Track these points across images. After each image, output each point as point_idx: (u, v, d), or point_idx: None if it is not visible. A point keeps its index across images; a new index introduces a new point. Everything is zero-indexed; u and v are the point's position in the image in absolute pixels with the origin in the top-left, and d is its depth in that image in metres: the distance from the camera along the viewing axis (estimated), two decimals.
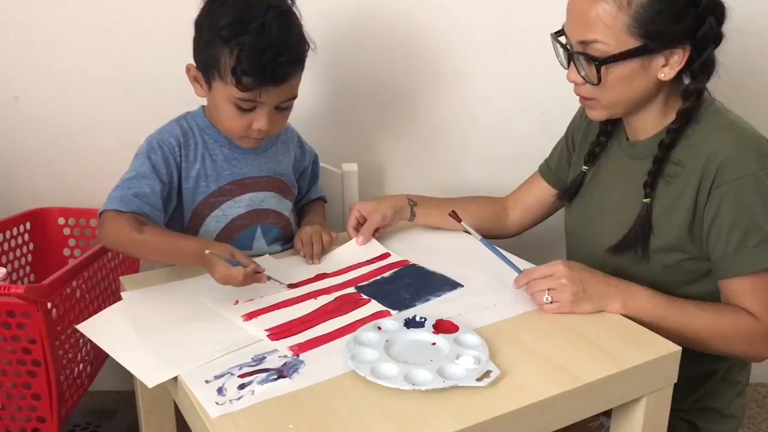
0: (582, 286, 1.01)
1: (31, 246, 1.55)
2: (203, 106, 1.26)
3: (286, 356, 0.92)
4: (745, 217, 1.00)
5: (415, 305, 1.04)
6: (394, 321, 0.99)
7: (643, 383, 0.92)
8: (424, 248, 1.26)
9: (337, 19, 1.51)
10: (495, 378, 0.85)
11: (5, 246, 1.47)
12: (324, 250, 1.24)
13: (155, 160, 1.17)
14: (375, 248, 1.26)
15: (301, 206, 1.40)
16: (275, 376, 0.87)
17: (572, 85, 1.10)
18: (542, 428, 0.86)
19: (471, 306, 1.04)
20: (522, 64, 1.61)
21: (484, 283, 1.12)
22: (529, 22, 1.56)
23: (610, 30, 1.00)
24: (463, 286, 1.10)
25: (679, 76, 1.05)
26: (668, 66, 1.03)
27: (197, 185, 1.21)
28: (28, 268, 1.54)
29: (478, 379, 0.85)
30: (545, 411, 0.84)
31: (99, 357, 1.39)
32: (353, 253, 1.24)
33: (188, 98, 1.51)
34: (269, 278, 1.06)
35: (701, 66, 1.03)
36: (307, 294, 1.10)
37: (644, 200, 1.08)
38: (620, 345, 0.94)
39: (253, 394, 0.84)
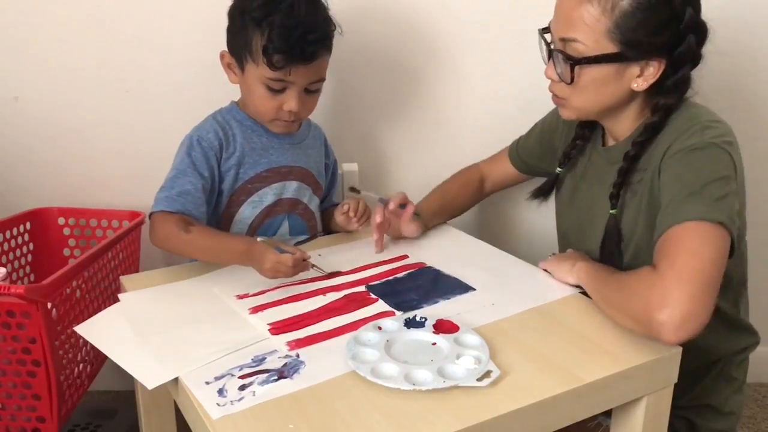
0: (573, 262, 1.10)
1: (31, 246, 1.54)
2: (235, 102, 1.30)
3: (287, 356, 0.92)
4: (674, 184, 0.98)
5: (421, 307, 1.04)
6: (394, 321, 0.99)
7: (643, 383, 0.92)
8: (442, 249, 1.26)
9: (338, 19, 1.51)
10: (495, 378, 0.85)
11: (5, 246, 1.47)
12: (365, 217, 1.31)
13: (195, 156, 1.21)
14: (394, 248, 1.27)
15: (324, 208, 1.42)
16: (276, 377, 0.87)
17: None
18: (542, 428, 0.86)
19: (470, 305, 1.04)
20: (522, 64, 1.60)
21: (486, 283, 1.12)
22: (529, 22, 1.56)
23: (590, 31, 1.01)
24: (475, 289, 1.10)
25: (656, 89, 1.05)
26: (642, 77, 1.04)
27: (237, 173, 1.25)
28: (28, 268, 1.54)
29: (479, 379, 0.85)
30: (545, 411, 0.84)
31: (99, 357, 1.38)
32: (371, 252, 1.25)
33: (189, 98, 1.52)
34: (313, 266, 1.12)
35: (675, 83, 1.03)
36: (316, 290, 1.11)
37: (611, 211, 1.09)
38: (620, 345, 0.94)
39: (254, 395, 0.84)
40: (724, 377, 1.16)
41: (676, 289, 0.87)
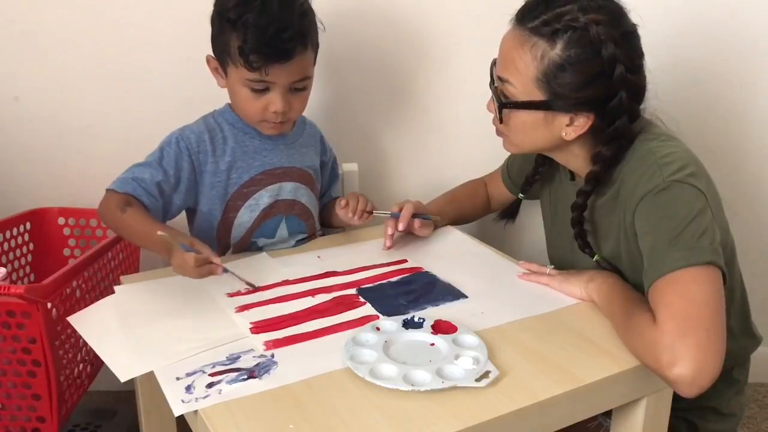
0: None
1: (31, 246, 1.54)
2: (229, 103, 1.28)
3: (261, 356, 0.92)
4: (650, 234, 0.97)
5: (408, 312, 1.03)
6: (392, 322, 0.98)
7: (643, 384, 0.92)
8: (442, 254, 1.26)
9: (337, 19, 1.51)
10: (494, 378, 0.85)
11: (5, 246, 1.47)
12: (364, 216, 1.28)
13: (167, 152, 1.20)
14: (395, 251, 1.26)
15: (324, 204, 1.42)
16: (245, 376, 0.87)
17: None
18: (542, 429, 0.86)
19: (459, 313, 1.03)
20: None
21: (480, 291, 1.11)
22: None
23: (520, 76, 1.01)
24: (467, 297, 1.09)
25: (595, 138, 1.04)
26: (572, 127, 1.03)
27: (229, 177, 1.24)
28: (28, 268, 1.54)
29: (477, 380, 0.85)
30: (545, 411, 0.84)
31: (99, 357, 1.38)
32: (371, 254, 1.25)
33: (189, 98, 1.51)
34: (226, 271, 1.05)
35: (611, 136, 1.02)
36: (306, 291, 1.11)
37: (594, 260, 1.10)
38: (620, 345, 0.94)
39: (220, 393, 0.84)
40: (725, 379, 1.15)
41: (681, 344, 0.85)
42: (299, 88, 1.19)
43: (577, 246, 1.14)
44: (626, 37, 1.00)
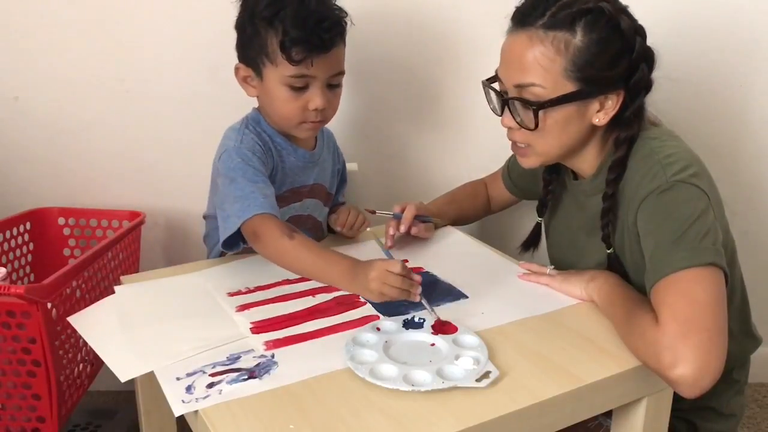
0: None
1: (31, 246, 1.54)
2: (257, 109, 1.25)
3: (262, 356, 0.92)
4: (653, 234, 0.98)
5: (408, 312, 1.03)
6: (393, 322, 0.98)
7: (644, 384, 0.92)
8: (443, 254, 1.26)
9: None
10: (494, 378, 0.85)
11: (5, 246, 1.47)
12: (359, 228, 1.31)
13: (254, 164, 1.16)
14: (395, 251, 1.26)
15: (329, 206, 1.41)
16: (245, 377, 0.87)
17: None
18: (542, 429, 0.86)
19: (459, 313, 1.03)
20: None
21: (481, 291, 1.10)
22: None
23: (547, 73, 1.00)
24: (467, 297, 1.09)
25: (613, 122, 1.05)
26: (603, 111, 1.03)
27: None
28: (28, 268, 1.54)
29: (478, 380, 0.85)
30: (546, 412, 0.84)
31: (99, 357, 1.38)
32: (372, 254, 1.23)
33: (188, 98, 1.52)
34: (422, 297, 1.04)
35: (633, 113, 1.03)
36: (306, 291, 1.10)
37: (608, 251, 1.09)
38: (621, 345, 0.94)
39: (220, 393, 0.84)
40: (725, 380, 1.15)
41: (683, 345, 0.85)
42: (334, 84, 1.19)
43: (576, 246, 1.14)
44: (627, 10, 1.02)
